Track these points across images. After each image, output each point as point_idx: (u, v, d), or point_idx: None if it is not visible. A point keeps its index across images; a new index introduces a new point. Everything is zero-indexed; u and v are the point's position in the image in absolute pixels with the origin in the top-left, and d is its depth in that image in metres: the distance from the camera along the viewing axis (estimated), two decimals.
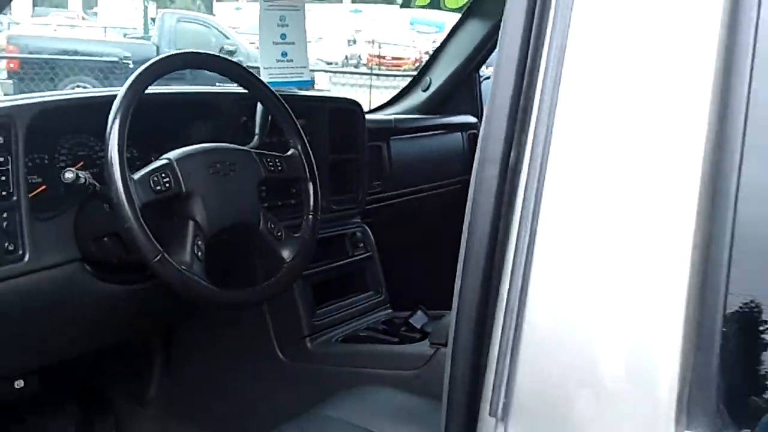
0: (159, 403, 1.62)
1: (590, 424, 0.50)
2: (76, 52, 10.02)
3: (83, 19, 24.36)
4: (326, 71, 12.66)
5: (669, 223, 0.50)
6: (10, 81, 8.83)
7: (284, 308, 1.57)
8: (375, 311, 1.75)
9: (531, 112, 0.57)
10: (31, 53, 9.06)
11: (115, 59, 9.53)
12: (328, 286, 1.72)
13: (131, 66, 9.25)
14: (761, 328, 0.48)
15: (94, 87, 8.04)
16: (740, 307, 0.50)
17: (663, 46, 0.54)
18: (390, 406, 1.25)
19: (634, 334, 0.49)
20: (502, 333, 0.51)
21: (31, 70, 8.52)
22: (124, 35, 16.62)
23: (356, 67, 18.83)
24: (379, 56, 18.40)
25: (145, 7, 22.04)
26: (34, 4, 50.78)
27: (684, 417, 0.46)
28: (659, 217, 0.51)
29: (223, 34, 12.78)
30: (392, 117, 2.08)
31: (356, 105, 1.81)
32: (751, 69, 0.50)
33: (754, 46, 0.51)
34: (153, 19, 19.18)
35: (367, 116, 1.89)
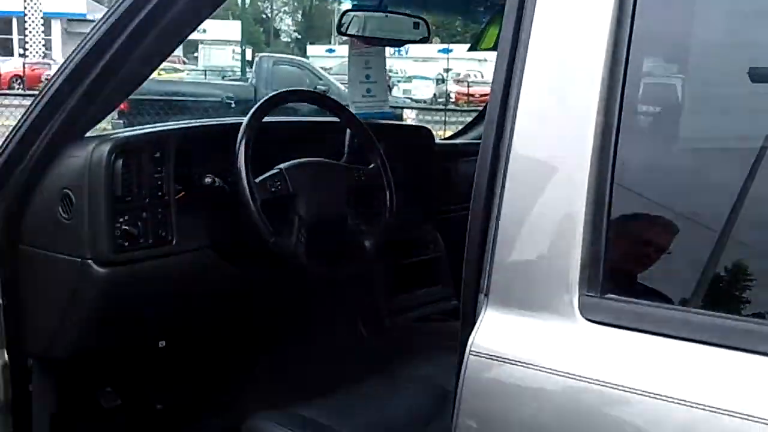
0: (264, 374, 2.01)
1: (530, 291, 0.84)
2: (180, 93, 10.83)
3: (184, 63, 25.83)
4: (412, 108, 13.12)
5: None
6: (121, 121, 9.62)
7: (367, 293, 1.95)
8: (443, 301, 2.12)
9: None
10: (139, 95, 9.86)
11: (218, 99, 10.21)
12: (403, 279, 2.09)
13: (233, 106, 9.98)
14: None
15: None
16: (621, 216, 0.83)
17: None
18: None
19: (556, 235, 0.83)
20: (490, 243, 0.86)
21: (138, 111, 9.24)
22: (223, 77, 17.62)
23: (445, 104, 19.23)
24: (467, 94, 18.82)
25: (243, 51, 23.17)
26: None
27: (584, 283, 0.80)
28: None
29: (316, 75, 13.44)
30: (459, 142, 2.45)
31: (426, 130, 2.19)
32: None
33: None
34: (249, 62, 20.22)
35: (440, 141, 2.27)
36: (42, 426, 1.67)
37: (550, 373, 0.79)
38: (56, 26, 44.81)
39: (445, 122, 11.18)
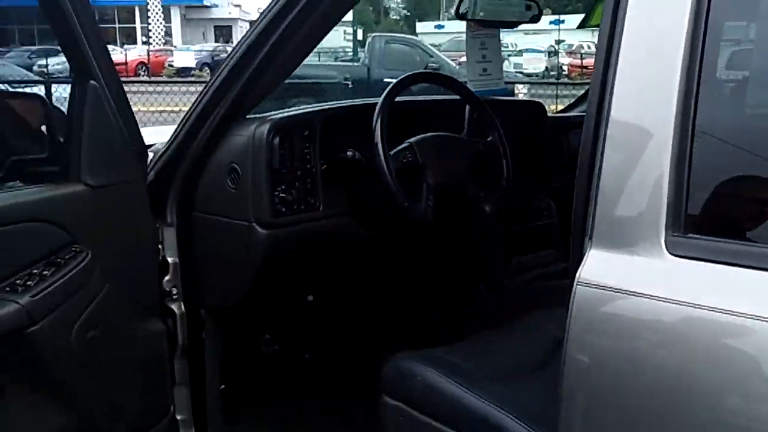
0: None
1: (626, 234, 1.03)
2: (297, 76, 11.26)
3: None
4: (523, 82, 13.11)
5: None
6: None
7: (487, 254, 2.17)
8: (555, 263, 2.30)
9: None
10: None
11: (335, 80, 10.57)
12: (520, 243, 2.29)
13: (350, 86, 10.34)
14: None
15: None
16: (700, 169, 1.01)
17: None
18: None
19: (646, 188, 1.02)
20: (593, 195, 1.07)
21: None
22: (335, 59, 18.06)
23: (557, 78, 18.96)
24: (581, 66, 18.51)
25: (354, 32, 23.56)
26: None
27: (669, 226, 0.99)
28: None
29: (427, 53, 13.63)
30: (571, 115, 2.61)
31: (539, 105, 2.37)
32: None
33: None
34: (360, 42, 20.59)
35: (552, 115, 2.44)
36: (212, 367, 1.97)
37: (643, 296, 0.99)
38: (175, 13, 46.69)
39: (557, 96, 11.15)
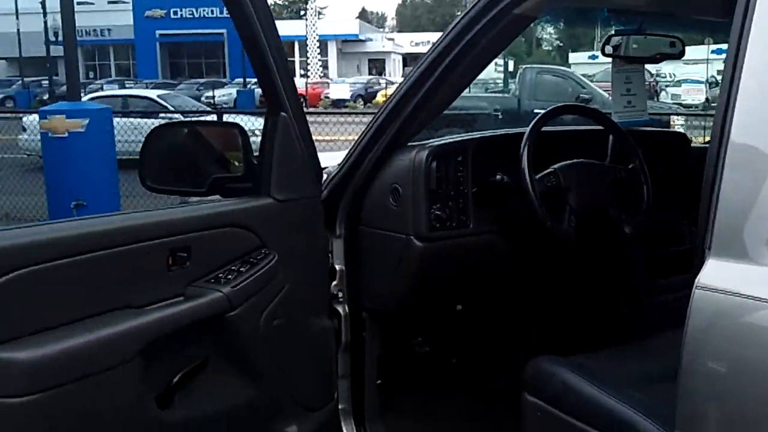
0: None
1: (742, 245, 1.18)
2: (450, 107, 11.58)
3: None
4: (679, 114, 12.78)
5: None
6: None
7: (627, 274, 2.30)
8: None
9: None
10: None
11: (486, 111, 10.81)
12: (661, 266, 2.40)
13: (500, 117, 10.56)
14: None
15: None
16: None
17: None
18: None
19: (761, 204, 1.17)
20: (713, 209, 1.22)
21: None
22: (486, 90, 18.31)
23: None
24: None
25: (505, 63, 23.68)
26: (404, 65, 55.54)
27: None
28: None
29: (579, 84, 13.60)
30: None
31: (681, 135, 2.49)
32: None
33: None
34: (511, 73, 20.72)
35: (699, 145, 2.54)
36: (371, 364, 2.22)
37: (756, 300, 1.15)
38: (332, 47, 48.63)
39: (704, 128, 10.83)
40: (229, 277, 1.68)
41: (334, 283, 2.12)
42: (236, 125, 2.00)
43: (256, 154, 1.91)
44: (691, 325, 1.23)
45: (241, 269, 1.71)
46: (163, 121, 12.20)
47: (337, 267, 2.12)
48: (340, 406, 2.16)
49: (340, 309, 2.13)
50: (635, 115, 2.41)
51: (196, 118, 9.53)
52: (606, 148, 2.20)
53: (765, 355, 1.16)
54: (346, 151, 2.15)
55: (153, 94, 15.76)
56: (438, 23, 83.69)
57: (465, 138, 2.19)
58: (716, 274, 1.20)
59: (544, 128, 2.12)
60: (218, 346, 1.67)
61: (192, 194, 2.00)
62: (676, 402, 1.30)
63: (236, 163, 1.91)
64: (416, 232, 2.01)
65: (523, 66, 15.46)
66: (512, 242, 2.15)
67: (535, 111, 7.78)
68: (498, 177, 2.05)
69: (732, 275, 1.19)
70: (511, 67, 22.17)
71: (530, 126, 2.05)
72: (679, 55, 2.42)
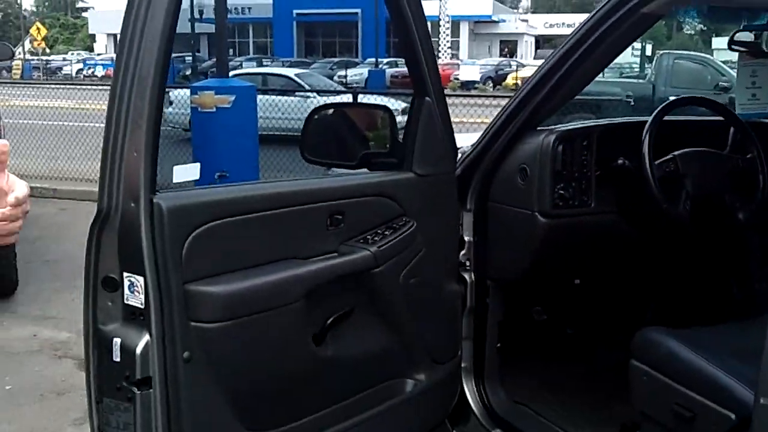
0: None
1: None
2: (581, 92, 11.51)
3: None
4: None
5: None
6: None
7: (740, 259, 2.43)
8: None
9: None
10: None
11: (618, 98, 10.68)
12: None
13: (632, 104, 10.44)
14: None
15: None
16: None
17: None
18: None
19: None
20: None
21: None
22: (621, 74, 17.87)
23: None
24: None
25: (643, 48, 22.95)
26: (537, 47, 54.51)
27: None
28: None
29: (719, 71, 13.11)
30: None
31: None
32: None
33: None
34: (648, 57, 20.08)
35: None
36: (492, 328, 2.44)
37: None
38: (464, 28, 48.48)
39: None
40: (376, 238, 1.95)
41: (463, 252, 2.35)
42: (385, 107, 2.28)
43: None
44: None
45: (386, 233, 1.98)
46: (298, 99, 12.83)
47: (466, 238, 2.36)
48: (462, 365, 2.40)
49: (467, 276, 2.36)
50: (759, 108, 2.51)
51: (346, 100, 9.95)
52: (726, 138, 2.33)
53: None
54: (479, 133, 2.38)
55: (290, 72, 16.41)
56: (575, 4, 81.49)
57: (590, 124, 2.38)
58: None
59: (667, 117, 2.27)
60: (364, 297, 1.96)
61: (344, 167, 2.29)
62: (761, 368, 1.46)
63: (377, 141, 2.18)
64: (541, 209, 2.22)
65: (660, 51, 15.05)
66: (630, 222, 2.32)
67: (670, 98, 7.69)
68: (620, 161, 2.23)
69: None
70: (648, 52, 21.46)
71: (652, 115, 2.22)
72: None
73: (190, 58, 34.23)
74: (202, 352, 1.58)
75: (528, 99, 2.21)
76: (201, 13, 39.83)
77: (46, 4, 72.52)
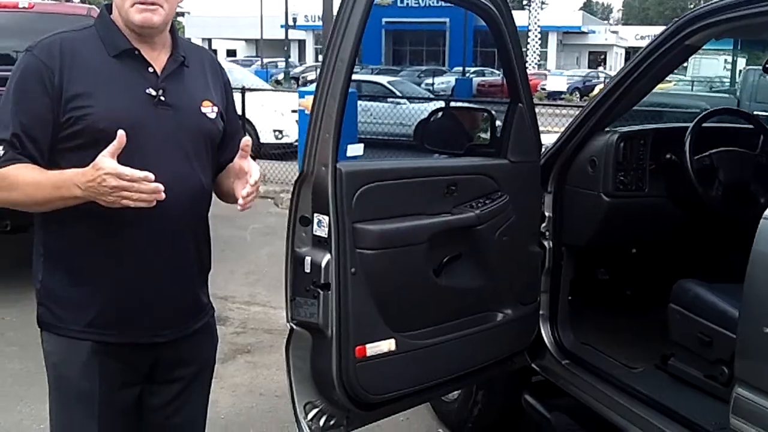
0: None
1: None
2: (662, 104, 11.91)
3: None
4: None
5: None
6: None
7: None
8: None
9: None
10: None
11: (696, 111, 11.04)
12: None
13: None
14: None
15: None
16: None
17: None
18: None
19: None
20: None
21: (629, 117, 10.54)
22: (710, 89, 18.00)
23: None
24: None
25: (734, 61, 22.84)
26: (626, 59, 53.68)
27: None
28: None
29: None
30: None
31: None
32: None
33: None
34: (740, 72, 20.05)
35: None
36: (565, 284, 3.13)
37: None
38: (552, 39, 48.60)
39: None
40: (478, 205, 2.68)
41: (544, 224, 3.06)
42: (487, 110, 3.01)
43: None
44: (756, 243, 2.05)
45: (486, 201, 2.71)
46: (389, 106, 13.64)
47: (547, 213, 3.06)
48: (540, 312, 3.10)
49: (546, 243, 3.06)
50: None
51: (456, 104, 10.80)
52: (757, 142, 2.98)
53: None
54: (559, 134, 3.09)
55: (384, 80, 17.27)
56: (668, 16, 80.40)
57: (647, 127, 3.06)
58: None
59: (709, 124, 2.94)
60: (469, 247, 2.69)
61: (453, 155, 3.03)
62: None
63: (479, 136, 2.92)
64: (605, 191, 2.91)
65: (747, 67, 15.22)
66: (675, 203, 2.99)
67: (756, 113, 8.11)
68: (668, 156, 2.91)
69: None
70: (742, 66, 21.41)
71: (694, 121, 2.89)
72: None
73: (283, 63, 35.49)
74: (362, 269, 2.34)
75: (597, 107, 2.91)
76: (294, 20, 41.42)
77: None
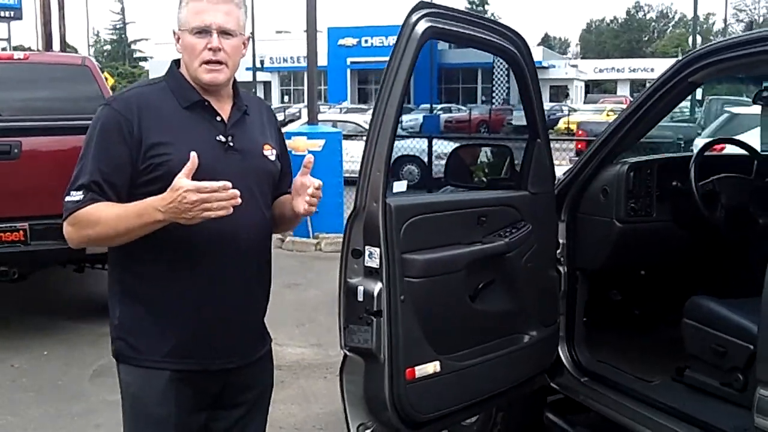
0: None
1: None
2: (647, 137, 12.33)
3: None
4: None
5: None
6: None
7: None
8: None
9: None
10: (594, 136, 11.64)
11: (669, 140, 11.51)
12: None
13: (682, 145, 11.30)
14: None
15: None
16: None
17: None
18: None
19: None
20: None
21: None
22: (671, 118, 18.63)
23: None
24: None
25: (694, 93, 23.66)
26: (586, 92, 54.80)
27: None
28: None
29: None
30: None
31: None
32: None
33: None
34: (699, 101, 20.78)
35: None
36: (580, 306, 3.35)
37: None
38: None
39: None
40: (507, 234, 2.89)
41: (558, 250, 3.28)
42: (506, 147, 3.25)
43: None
44: None
45: (512, 230, 2.92)
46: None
47: (560, 241, 3.29)
48: (560, 334, 3.31)
49: (561, 268, 3.29)
50: None
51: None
52: (752, 167, 3.25)
53: None
54: (566, 167, 3.33)
55: (359, 119, 17.58)
56: (624, 49, 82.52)
57: (653, 158, 3.33)
58: None
59: (707, 153, 3.21)
60: (500, 273, 2.89)
61: (475, 189, 3.25)
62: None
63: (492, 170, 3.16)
64: (617, 217, 3.15)
65: (710, 97, 15.83)
66: (682, 227, 3.24)
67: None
68: (674, 183, 3.16)
69: None
70: (699, 96, 22.17)
71: (696, 151, 3.15)
72: None
73: None
74: (409, 296, 2.54)
75: (606, 141, 3.16)
76: (262, 63, 41.81)
77: (105, 54, 75.69)
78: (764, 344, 2.35)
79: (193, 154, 1.88)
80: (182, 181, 1.87)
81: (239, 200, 1.90)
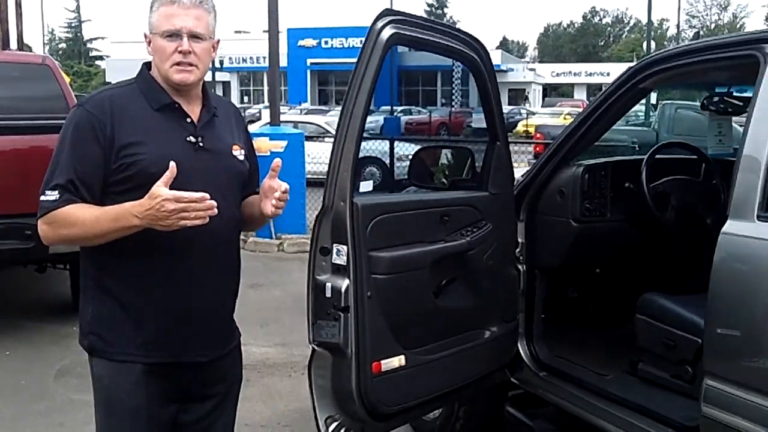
0: None
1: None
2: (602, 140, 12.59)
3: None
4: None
5: None
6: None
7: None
8: None
9: None
10: (551, 139, 11.87)
11: (624, 144, 11.79)
12: None
13: (637, 149, 11.59)
14: None
15: None
16: None
17: None
18: None
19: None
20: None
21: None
22: (626, 122, 19.01)
23: None
24: None
25: (648, 97, 24.10)
26: (544, 95, 55.46)
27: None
28: None
29: None
30: None
31: None
32: None
33: None
34: (653, 105, 21.20)
35: None
36: (538, 303, 3.47)
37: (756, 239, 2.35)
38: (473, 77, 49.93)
39: None
40: (467, 233, 3.00)
41: (518, 249, 3.40)
42: (467, 149, 3.36)
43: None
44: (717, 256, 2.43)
45: (474, 229, 3.03)
46: (328, 145, 13.90)
47: (520, 240, 3.41)
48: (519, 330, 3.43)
49: (520, 267, 3.41)
50: (723, 149, 3.59)
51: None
52: (700, 170, 3.41)
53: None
54: (525, 168, 3.46)
55: (320, 120, 17.61)
56: (580, 53, 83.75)
57: (607, 160, 3.47)
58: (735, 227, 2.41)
59: (659, 156, 3.36)
60: (462, 270, 3.00)
61: (439, 189, 3.35)
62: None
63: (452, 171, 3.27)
64: (573, 217, 3.28)
65: (663, 102, 16.19)
66: (635, 226, 3.38)
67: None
68: (627, 184, 3.30)
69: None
70: (654, 100, 22.62)
71: (648, 154, 3.30)
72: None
73: None
74: (376, 292, 2.63)
75: (563, 144, 3.29)
76: (221, 63, 41.54)
77: (60, 52, 74.46)
78: (710, 338, 2.49)
79: (172, 164, 1.95)
80: (161, 189, 1.93)
81: (216, 210, 1.97)
